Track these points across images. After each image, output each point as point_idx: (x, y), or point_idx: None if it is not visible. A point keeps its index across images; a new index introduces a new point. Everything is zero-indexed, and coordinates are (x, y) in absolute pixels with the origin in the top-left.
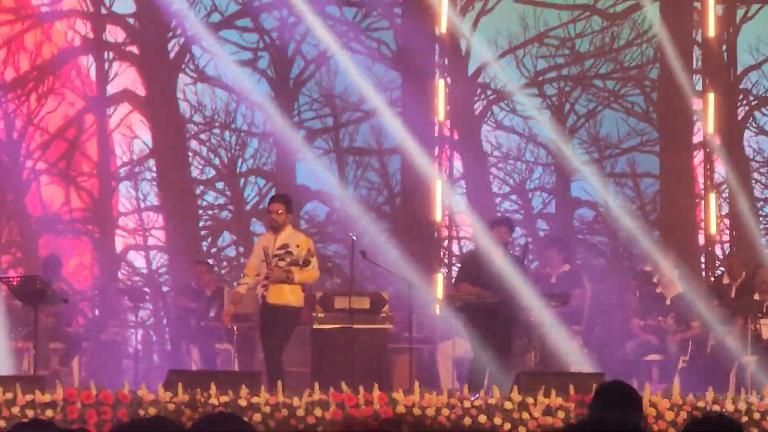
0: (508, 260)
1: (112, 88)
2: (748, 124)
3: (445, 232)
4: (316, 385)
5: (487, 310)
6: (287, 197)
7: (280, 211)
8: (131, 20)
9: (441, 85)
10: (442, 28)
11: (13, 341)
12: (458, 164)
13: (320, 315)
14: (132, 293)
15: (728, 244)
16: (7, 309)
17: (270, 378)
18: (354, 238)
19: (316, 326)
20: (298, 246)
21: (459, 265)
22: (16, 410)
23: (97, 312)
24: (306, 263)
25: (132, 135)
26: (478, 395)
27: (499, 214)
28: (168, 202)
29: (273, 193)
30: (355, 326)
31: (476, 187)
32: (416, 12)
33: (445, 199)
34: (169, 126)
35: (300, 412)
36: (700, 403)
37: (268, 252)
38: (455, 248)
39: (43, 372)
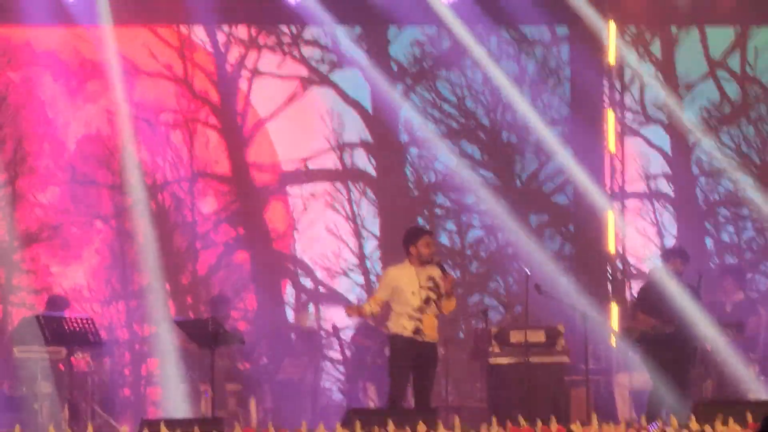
0: (684, 290)
1: None
2: None
3: (618, 263)
4: (494, 419)
5: (664, 341)
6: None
7: (434, 244)
8: None
9: (611, 116)
10: (611, 59)
11: (190, 384)
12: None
13: (496, 350)
14: (311, 333)
15: None
16: (183, 351)
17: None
18: (528, 272)
19: (492, 361)
20: (441, 278)
21: (635, 296)
22: None
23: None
24: (449, 294)
25: None
26: (656, 425)
27: (673, 245)
28: None
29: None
30: (531, 360)
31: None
32: (585, 41)
33: (618, 230)
34: None
35: None
36: None
37: (415, 285)
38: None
39: (221, 414)
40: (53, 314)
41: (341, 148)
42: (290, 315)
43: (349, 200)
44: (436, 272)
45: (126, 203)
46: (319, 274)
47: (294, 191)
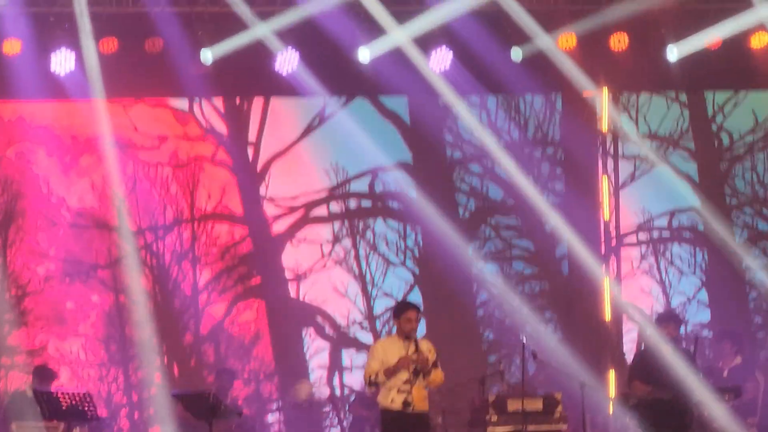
0: (679, 356)
1: None
2: None
3: (614, 331)
4: None
5: (661, 407)
6: (418, 304)
7: (417, 319)
8: None
9: (605, 183)
10: (604, 126)
11: None
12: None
13: (494, 418)
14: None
15: None
16: (181, 421)
17: None
18: (524, 340)
19: (490, 429)
20: (429, 351)
21: (630, 363)
22: None
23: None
24: (434, 366)
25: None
26: None
27: (666, 311)
28: None
29: None
30: (529, 428)
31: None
32: (577, 109)
33: (614, 297)
34: None
35: None
36: None
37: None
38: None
39: None
40: (49, 391)
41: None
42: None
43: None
44: (424, 344)
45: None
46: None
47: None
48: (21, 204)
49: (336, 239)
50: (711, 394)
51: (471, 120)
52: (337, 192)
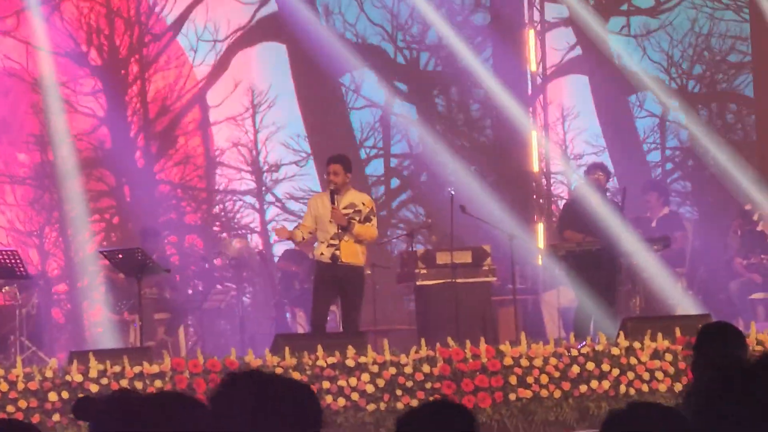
0: (607, 205)
1: None
2: None
3: (542, 182)
4: (422, 341)
5: (590, 257)
6: (345, 157)
7: (338, 172)
8: None
9: (532, 36)
10: None
11: (117, 314)
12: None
13: (423, 271)
14: (239, 259)
15: None
16: (110, 283)
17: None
18: (452, 192)
19: (419, 283)
20: (363, 204)
21: (559, 214)
22: (124, 382)
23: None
24: (367, 220)
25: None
26: (584, 343)
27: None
28: None
29: None
30: (458, 281)
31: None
32: None
33: (541, 149)
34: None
35: (408, 370)
36: None
37: (329, 212)
38: (553, 197)
39: (150, 343)
40: None
41: None
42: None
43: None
44: (353, 198)
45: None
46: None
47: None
48: None
49: None
50: (640, 244)
51: None
52: None
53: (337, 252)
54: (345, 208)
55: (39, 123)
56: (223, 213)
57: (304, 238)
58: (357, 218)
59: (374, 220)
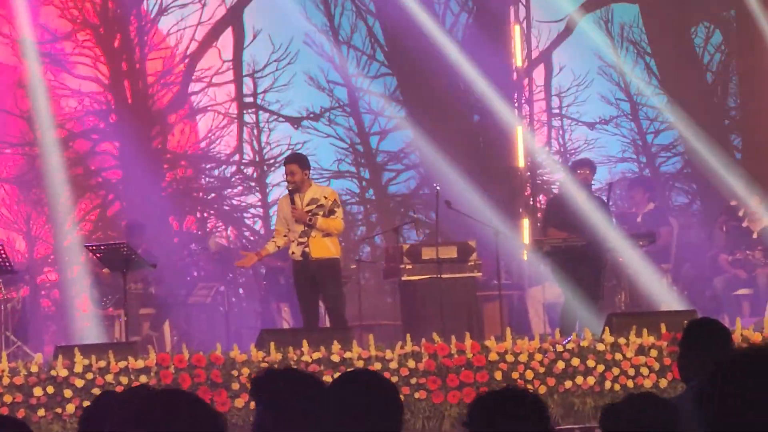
0: (593, 202)
1: None
2: None
3: (528, 178)
4: (408, 336)
5: (575, 253)
6: (300, 156)
7: (294, 172)
8: None
9: (517, 31)
10: None
11: (103, 309)
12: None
13: (408, 267)
14: (220, 254)
15: None
16: (95, 277)
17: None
18: (438, 188)
19: (404, 278)
20: (326, 197)
21: (544, 210)
22: (110, 377)
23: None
24: (331, 212)
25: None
26: (570, 338)
27: (581, 156)
28: None
29: None
30: (443, 276)
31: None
32: None
33: (527, 144)
34: None
35: (393, 365)
36: None
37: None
38: (540, 192)
39: (135, 338)
40: None
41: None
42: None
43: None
44: (320, 192)
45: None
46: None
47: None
48: None
49: None
50: (625, 240)
51: None
52: None
53: (307, 249)
54: (308, 204)
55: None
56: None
57: (279, 247)
58: (321, 212)
59: (339, 212)
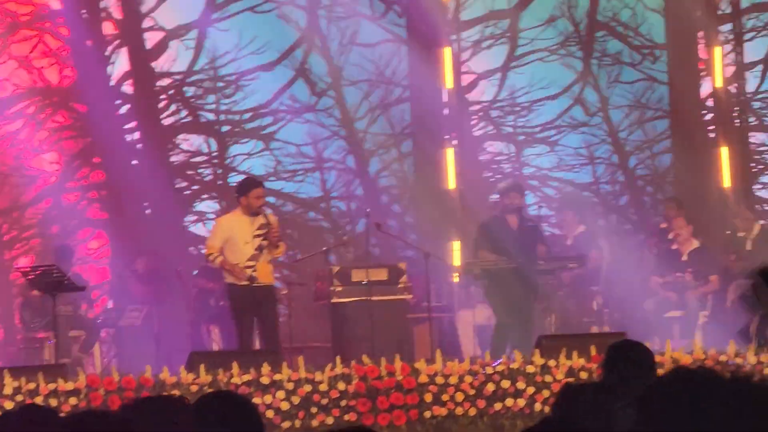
0: (523, 225)
1: None
2: None
3: (459, 201)
4: (338, 359)
5: (506, 276)
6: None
7: (262, 196)
8: None
9: (448, 53)
10: None
11: (32, 332)
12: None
13: (338, 289)
14: (150, 276)
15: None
16: (25, 300)
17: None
18: (368, 211)
19: (334, 300)
20: (272, 223)
21: (475, 234)
22: (39, 399)
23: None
24: (278, 239)
25: None
26: (500, 361)
27: (508, 181)
28: None
29: None
30: (373, 298)
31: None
32: None
33: (458, 167)
34: None
35: (323, 387)
36: (722, 357)
37: (246, 234)
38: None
39: (65, 360)
40: None
41: None
42: None
43: None
44: (269, 218)
45: None
46: None
47: None
48: None
49: None
50: (555, 262)
51: None
52: None
53: (255, 273)
54: (259, 228)
55: None
56: None
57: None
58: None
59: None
